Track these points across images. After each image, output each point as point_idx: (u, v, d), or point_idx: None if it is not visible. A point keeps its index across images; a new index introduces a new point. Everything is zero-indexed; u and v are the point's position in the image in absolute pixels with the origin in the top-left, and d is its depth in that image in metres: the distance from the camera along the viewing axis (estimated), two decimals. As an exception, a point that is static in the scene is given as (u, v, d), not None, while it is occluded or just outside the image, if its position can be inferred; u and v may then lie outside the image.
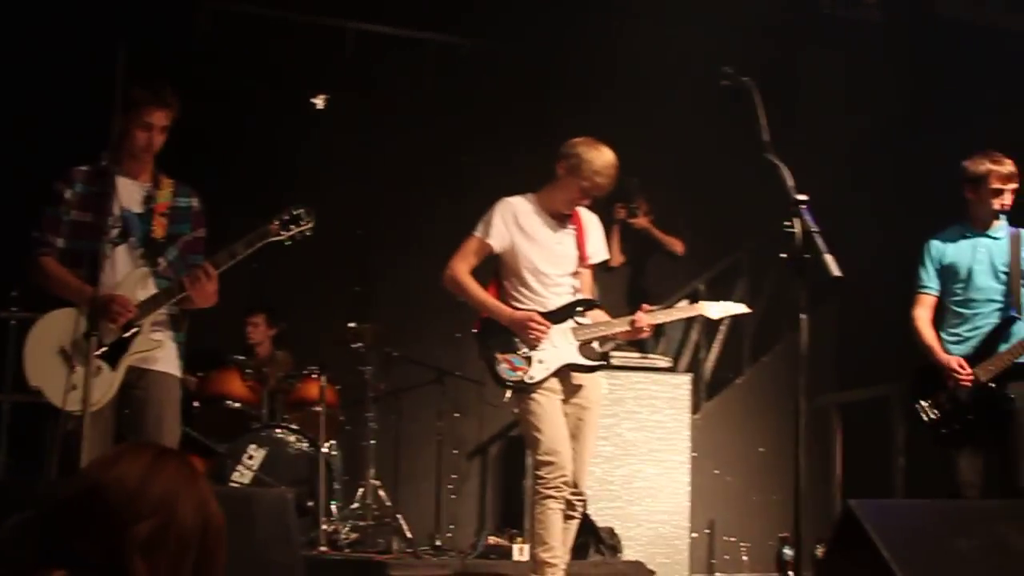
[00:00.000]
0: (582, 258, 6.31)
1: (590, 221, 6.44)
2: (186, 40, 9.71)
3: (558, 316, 6.15)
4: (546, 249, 6.23)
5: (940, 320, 6.67)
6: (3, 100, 8.78)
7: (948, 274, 6.63)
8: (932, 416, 6.49)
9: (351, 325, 8.60)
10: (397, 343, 8.93)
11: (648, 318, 6.15)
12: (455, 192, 10.25)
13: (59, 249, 5.50)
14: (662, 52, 10.17)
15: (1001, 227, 6.61)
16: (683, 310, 6.65)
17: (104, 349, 5.27)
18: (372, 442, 8.66)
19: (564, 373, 6.09)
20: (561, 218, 6.32)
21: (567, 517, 6.03)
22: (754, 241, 10.88)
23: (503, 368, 6.05)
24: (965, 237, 6.63)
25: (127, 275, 5.49)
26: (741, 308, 6.66)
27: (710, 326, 10.59)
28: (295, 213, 5.64)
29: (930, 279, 6.66)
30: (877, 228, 10.03)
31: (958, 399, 6.39)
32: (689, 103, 10.29)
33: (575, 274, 6.31)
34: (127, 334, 5.40)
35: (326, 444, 8.23)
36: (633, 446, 9.12)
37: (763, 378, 10.57)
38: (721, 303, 6.59)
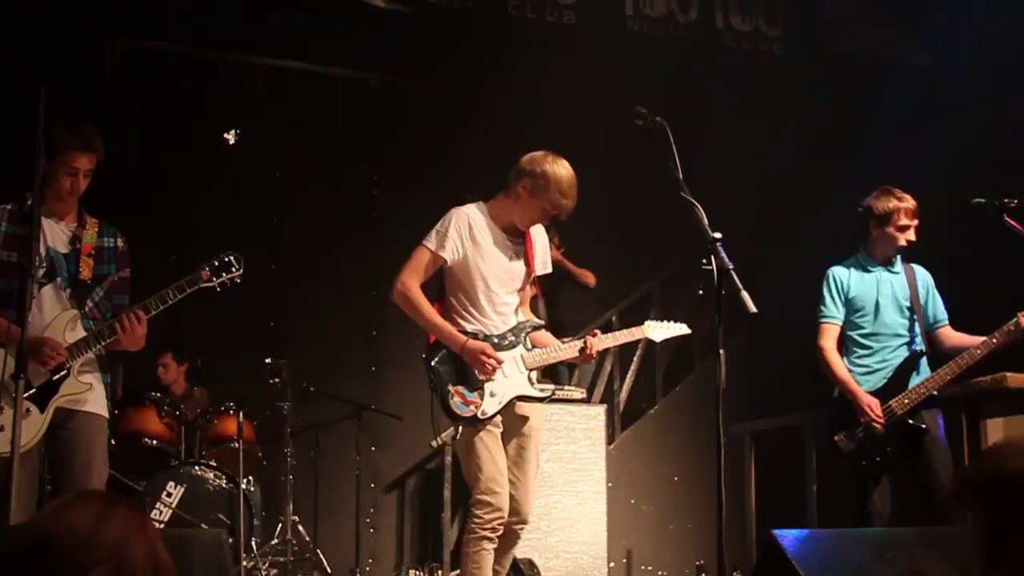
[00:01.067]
0: (529, 273, 6.15)
1: (538, 233, 6.25)
2: (98, 78, 9.68)
3: (508, 342, 6.02)
4: (499, 266, 6.04)
5: (843, 350, 6.81)
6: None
7: (853, 306, 6.77)
8: (851, 448, 6.62)
9: (267, 361, 8.59)
10: (314, 378, 8.94)
11: (598, 343, 6.05)
12: (368, 226, 10.32)
13: None
14: (572, 87, 10.29)
15: (897, 261, 6.80)
16: (628, 334, 6.52)
17: (32, 391, 5.27)
18: (291, 477, 8.66)
19: (511, 404, 5.97)
20: (515, 233, 6.12)
21: (510, 544, 6.00)
22: (664, 273, 11.05)
23: (455, 402, 5.88)
24: (867, 271, 6.79)
25: (56, 317, 5.49)
26: (683, 329, 6.59)
27: (623, 357, 10.72)
28: (225, 260, 5.68)
29: (835, 309, 6.79)
30: (784, 257, 10.21)
31: (874, 433, 6.53)
32: (600, 137, 10.44)
33: (520, 291, 6.17)
34: (56, 377, 5.41)
35: (245, 480, 8.20)
36: (550, 477, 9.20)
37: (676, 408, 10.70)
38: (663, 324, 6.55)
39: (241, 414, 8.28)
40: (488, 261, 6.00)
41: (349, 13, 10.10)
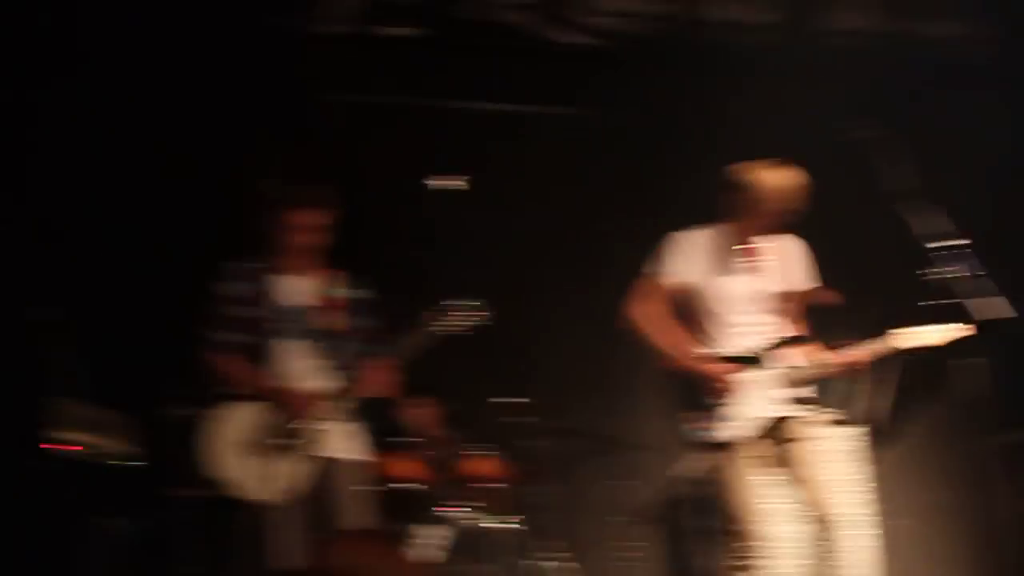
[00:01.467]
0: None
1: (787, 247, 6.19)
2: (325, 133, 9.93)
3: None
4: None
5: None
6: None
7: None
8: None
9: (520, 400, 8.68)
10: (567, 415, 9.00)
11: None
12: (595, 262, 10.35)
13: (234, 345, 5.66)
14: (778, 109, 10.18)
15: None
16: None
17: (292, 440, 5.44)
18: (553, 514, 8.72)
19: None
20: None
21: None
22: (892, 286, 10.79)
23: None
24: None
25: (306, 368, 5.65)
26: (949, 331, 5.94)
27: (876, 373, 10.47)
28: (471, 304, 5.77)
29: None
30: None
31: None
32: (811, 157, 10.27)
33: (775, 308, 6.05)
34: (311, 427, 5.57)
35: (509, 519, 8.30)
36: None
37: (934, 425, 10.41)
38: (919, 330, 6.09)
39: (498, 455, 8.39)
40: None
41: (546, 51, 10.22)
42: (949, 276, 4.72)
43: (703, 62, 10.18)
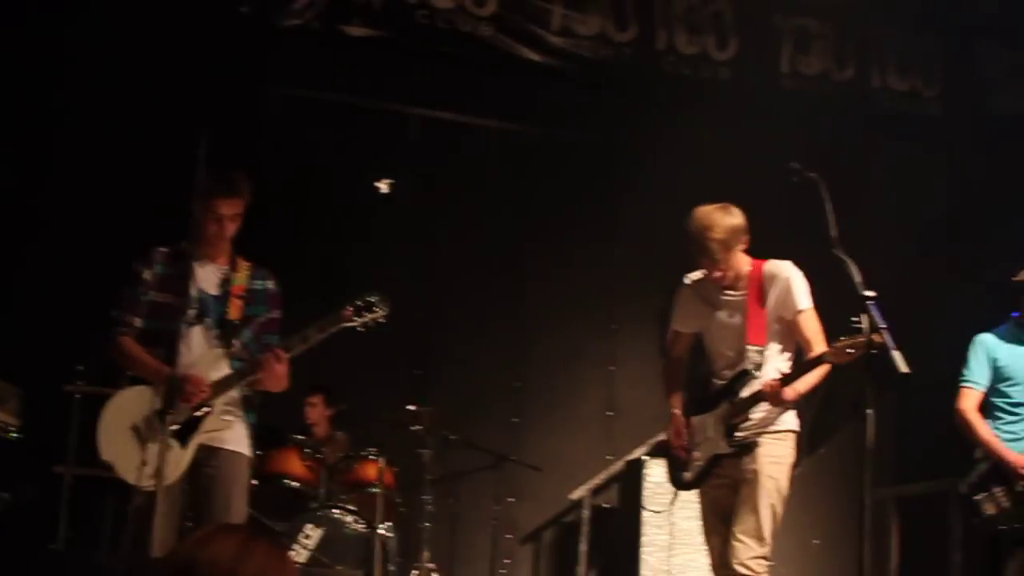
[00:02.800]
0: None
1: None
2: (255, 126, 9.84)
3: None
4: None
5: (987, 416, 6.69)
6: (83, 178, 8.95)
7: (1001, 375, 6.66)
8: (992, 513, 6.49)
9: (410, 408, 8.63)
10: (455, 426, 8.95)
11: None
12: (515, 276, 10.34)
13: (137, 329, 5.61)
14: (722, 140, 10.24)
15: None
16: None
17: (176, 427, 5.35)
18: (427, 525, 8.67)
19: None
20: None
21: None
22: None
23: None
24: (1020, 342, 6.65)
25: (202, 355, 5.59)
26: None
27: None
28: (369, 300, 5.72)
29: (980, 375, 6.70)
30: (932, 323, 10.02)
31: (1019, 496, 6.39)
32: (752, 192, 10.34)
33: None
34: (199, 413, 5.49)
35: (382, 526, 8.24)
36: (688, 535, 9.11)
37: (819, 470, 10.51)
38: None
39: (382, 460, 8.33)
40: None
41: (504, 66, 10.17)
42: (876, 326, 4.74)
43: (655, 90, 10.19)
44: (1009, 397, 6.60)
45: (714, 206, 6.09)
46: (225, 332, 5.68)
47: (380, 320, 5.77)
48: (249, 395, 5.76)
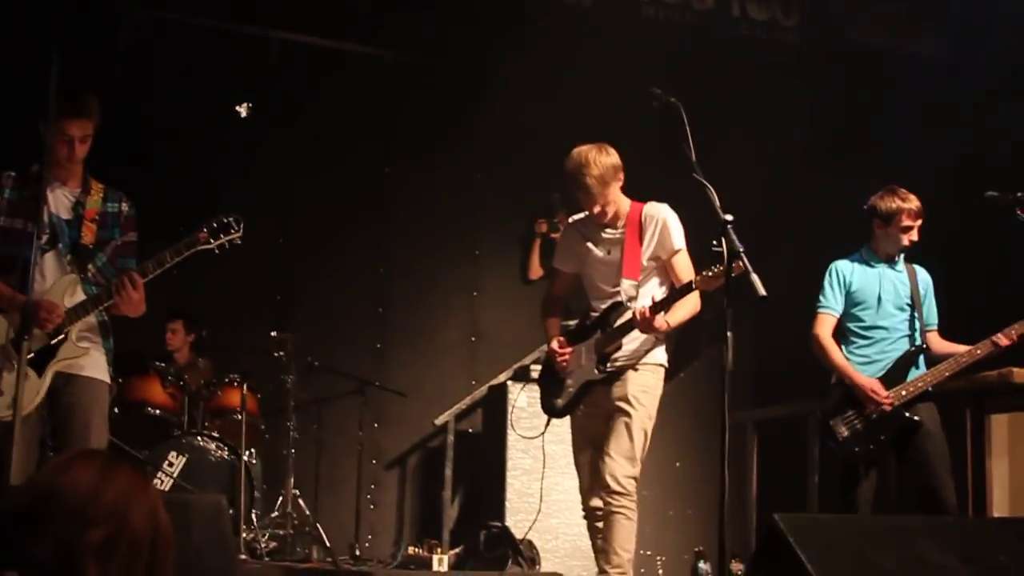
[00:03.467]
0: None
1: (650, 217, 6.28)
2: (111, 47, 9.65)
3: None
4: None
5: (841, 341, 6.84)
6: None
7: (854, 299, 6.80)
8: (845, 435, 6.65)
9: (273, 334, 8.60)
10: (318, 353, 8.93)
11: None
12: (377, 202, 10.30)
13: None
14: (583, 67, 10.26)
15: (900, 259, 6.83)
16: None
17: (31, 355, 5.25)
18: (292, 451, 8.67)
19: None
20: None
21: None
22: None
23: None
24: (871, 266, 6.82)
25: (56, 282, 5.48)
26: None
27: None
28: (225, 221, 5.64)
29: (835, 300, 6.83)
30: (792, 245, 10.19)
31: (870, 420, 6.55)
32: (609, 118, 10.39)
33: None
34: (54, 341, 5.40)
35: (246, 452, 8.21)
36: (552, 459, 9.16)
37: (680, 394, 10.62)
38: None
39: (245, 386, 8.30)
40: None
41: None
42: (735, 249, 4.80)
43: (518, 16, 10.13)
44: (862, 321, 6.74)
45: (590, 145, 6.22)
46: (79, 257, 5.56)
47: (236, 241, 5.69)
48: (106, 321, 5.65)
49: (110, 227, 5.69)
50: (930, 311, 6.86)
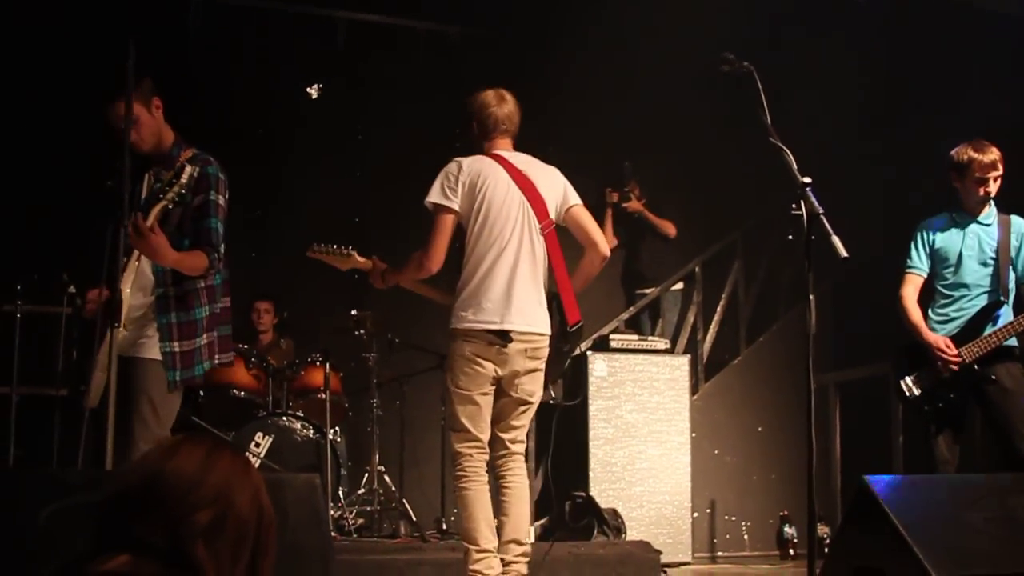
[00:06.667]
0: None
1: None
2: (182, 33, 9.75)
3: None
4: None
5: (928, 301, 6.77)
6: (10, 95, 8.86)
7: (938, 257, 6.73)
8: (915, 393, 6.61)
9: (353, 312, 8.65)
10: (398, 329, 8.98)
11: None
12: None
13: None
14: (652, 35, 10.24)
15: (990, 213, 6.71)
16: None
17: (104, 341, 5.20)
18: (376, 428, 8.72)
19: None
20: None
21: None
22: (747, 223, 10.99)
23: None
24: (955, 222, 6.73)
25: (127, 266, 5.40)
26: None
27: (707, 307, 10.71)
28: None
29: (920, 260, 6.76)
30: (873, 209, 10.12)
31: (941, 378, 6.51)
32: (681, 85, 10.38)
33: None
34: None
35: (331, 431, 8.29)
36: (634, 427, 9.25)
37: (760, 359, 10.68)
38: None
39: (328, 365, 8.36)
40: None
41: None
42: (815, 212, 4.76)
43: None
44: (944, 279, 6.68)
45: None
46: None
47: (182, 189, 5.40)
48: (167, 296, 5.50)
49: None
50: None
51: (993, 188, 6.61)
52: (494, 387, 5.74)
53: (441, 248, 5.80)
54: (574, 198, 5.92)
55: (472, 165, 5.82)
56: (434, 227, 5.76)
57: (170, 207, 5.24)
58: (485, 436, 5.75)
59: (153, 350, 5.43)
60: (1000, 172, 6.59)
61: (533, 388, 5.77)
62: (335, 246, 6.09)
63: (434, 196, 5.77)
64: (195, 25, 9.92)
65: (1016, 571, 4.05)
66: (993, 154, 6.58)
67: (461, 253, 5.86)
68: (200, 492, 2.33)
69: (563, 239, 5.89)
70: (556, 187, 5.91)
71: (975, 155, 6.58)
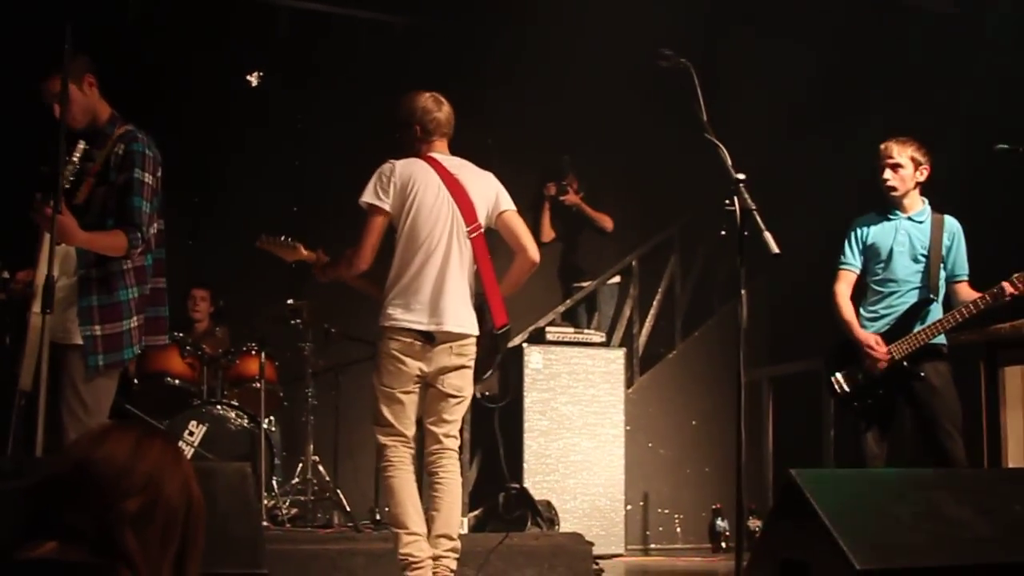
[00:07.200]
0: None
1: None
2: (122, 16, 9.68)
3: None
4: None
5: (860, 297, 6.84)
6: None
7: (870, 253, 6.81)
8: (846, 389, 6.69)
9: (289, 302, 8.61)
10: (335, 319, 8.95)
11: None
12: (388, 169, 10.31)
13: None
14: (593, 30, 10.27)
15: (924, 211, 6.79)
16: None
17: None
18: (311, 418, 8.70)
19: None
20: None
21: None
22: (684, 218, 11.05)
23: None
24: (888, 219, 6.81)
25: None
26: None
27: (643, 301, 10.77)
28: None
29: (853, 257, 6.84)
30: (807, 206, 10.20)
31: (871, 374, 6.59)
32: (619, 81, 10.43)
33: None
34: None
35: (265, 420, 8.26)
36: (569, 420, 9.29)
37: (695, 353, 10.75)
38: None
39: (263, 354, 8.34)
40: None
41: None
42: (748, 208, 4.80)
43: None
44: (875, 275, 6.74)
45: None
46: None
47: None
48: (88, 278, 5.40)
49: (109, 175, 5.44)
50: (956, 262, 6.74)
51: (891, 177, 6.68)
52: (419, 384, 5.81)
53: (371, 247, 5.87)
54: (507, 203, 5.96)
55: (405, 168, 5.90)
56: (366, 226, 5.85)
57: (67, 186, 5.19)
58: (410, 432, 5.83)
59: (77, 336, 5.35)
60: (894, 161, 6.66)
61: (461, 384, 5.82)
62: (282, 237, 6.17)
63: (367, 196, 5.87)
64: (135, 11, 9.84)
65: (939, 563, 4.11)
66: (891, 146, 6.68)
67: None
68: (130, 480, 2.34)
69: (494, 243, 5.92)
70: (488, 192, 5.95)
71: (881, 146, 6.71)
